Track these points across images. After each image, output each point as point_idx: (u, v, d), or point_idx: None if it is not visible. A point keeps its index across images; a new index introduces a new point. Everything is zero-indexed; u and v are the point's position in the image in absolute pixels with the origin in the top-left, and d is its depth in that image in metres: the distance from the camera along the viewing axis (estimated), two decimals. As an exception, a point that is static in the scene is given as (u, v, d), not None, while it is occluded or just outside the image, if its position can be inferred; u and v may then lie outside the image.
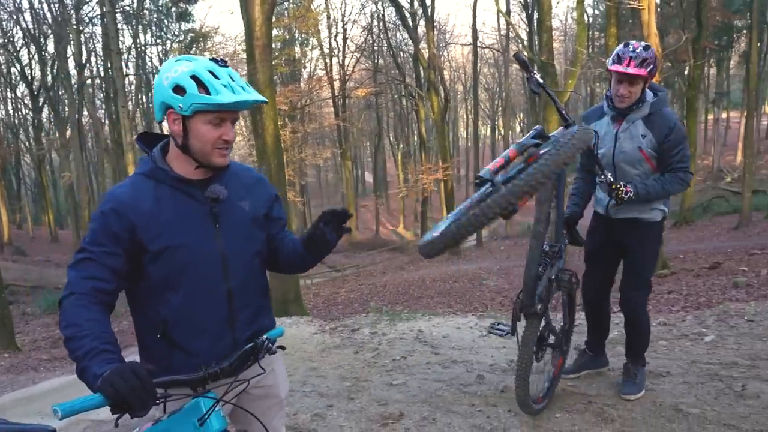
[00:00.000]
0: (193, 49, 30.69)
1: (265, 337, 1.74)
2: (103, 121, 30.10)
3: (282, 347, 1.84)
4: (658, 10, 23.31)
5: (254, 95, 1.60)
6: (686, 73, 20.24)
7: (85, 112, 29.57)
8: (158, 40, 32.99)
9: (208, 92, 1.54)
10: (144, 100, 35.08)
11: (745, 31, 31.04)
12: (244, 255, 1.75)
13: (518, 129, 59.25)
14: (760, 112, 36.75)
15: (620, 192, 2.89)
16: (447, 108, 28.90)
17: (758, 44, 25.22)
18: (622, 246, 3.26)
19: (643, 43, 2.92)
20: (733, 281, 8.41)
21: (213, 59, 1.62)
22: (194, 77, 1.55)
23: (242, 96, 1.57)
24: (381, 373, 4.32)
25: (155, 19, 31.29)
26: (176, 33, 32.46)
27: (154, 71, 33.59)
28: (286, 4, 23.87)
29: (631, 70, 2.83)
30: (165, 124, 1.69)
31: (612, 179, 2.95)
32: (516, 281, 14.87)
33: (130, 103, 27.78)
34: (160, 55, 33.71)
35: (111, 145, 25.96)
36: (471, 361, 4.32)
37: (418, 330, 5.39)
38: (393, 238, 38.07)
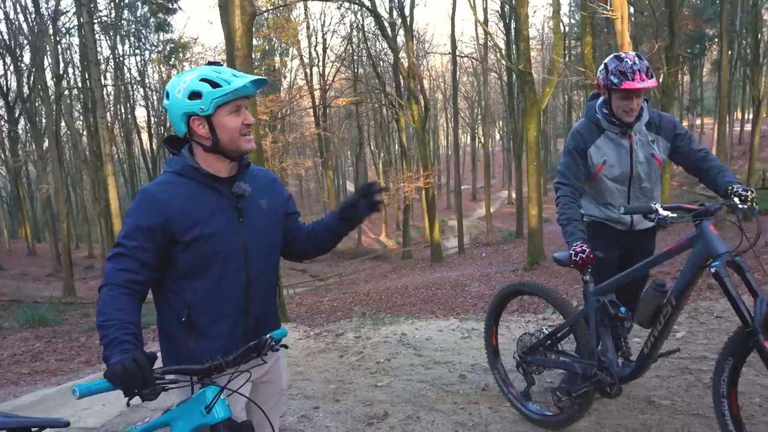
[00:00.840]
0: (172, 59, 30.64)
1: (268, 336, 1.86)
2: (81, 132, 29.82)
3: (285, 346, 1.99)
4: (632, 19, 23.88)
5: (256, 76, 1.78)
6: (660, 80, 20.73)
7: (63, 124, 29.28)
8: (137, 51, 32.90)
9: (219, 86, 1.72)
10: (122, 110, 34.88)
11: (716, 40, 31.82)
12: (263, 248, 1.91)
13: (497, 137, 59.90)
14: (732, 119, 37.66)
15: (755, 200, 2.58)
16: (427, 117, 29.14)
17: (729, 52, 25.89)
18: (628, 254, 3.14)
19: (632, 53, 2.80)
20: (708, 282, 8.61)
21: (210, 63, 1.80)
22: (204, 79, 1.72)
23: (248, 77, 1.75)
24: (366, 376, 4.41)
25: (133, 30, 31.19)
26: (155, 43, 32.41)
27: (133, 82, 33.46)
28: (265, 14, 23.95)
29: (648, 83, 2.72)
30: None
31: (747, 190, 2.57)
32: (498, 287, 15.05)
33: (108, 114, 27.59)
34: (139, 65, 33.62)
35: (89, 157, 25.73)
36: (453, 362, 4.43)
37: (402, 333, 5.50)
38: (375, 246, 38.18)
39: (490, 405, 3.52)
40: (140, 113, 38.81)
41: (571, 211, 2.94)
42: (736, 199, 2.56)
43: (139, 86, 34.16)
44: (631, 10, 24.62)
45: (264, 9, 20.71)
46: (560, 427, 3.01)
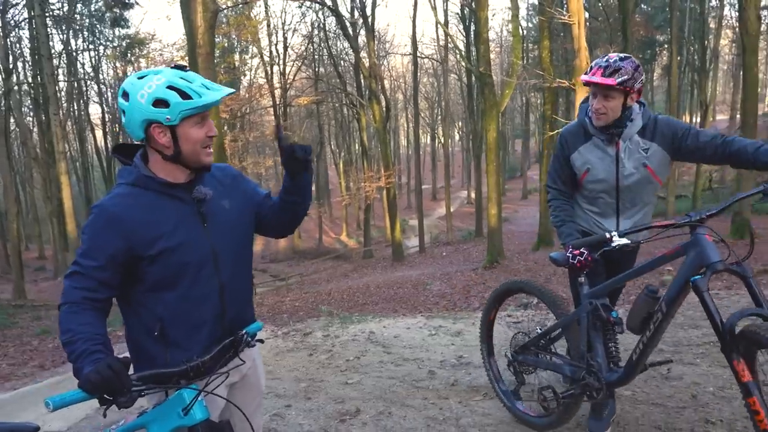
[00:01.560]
0: (128, 55, 29.92)
1: (244, 331, 1.84)
2: (31, 129, 28.83)
3: (261, 340, 1.96)
4: (587, 24, 24.55)
5: (226, 89, 1.72)
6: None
7: (12, 120, 28.25)
8: (90, 46, 31.97)
9: (190, 97, 1.63)
10: (75, 107, 33.86)
11: (666, 46, 33.03)
12: (232, 250, 1.85)
13: (457, 137, 60.60)
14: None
15: None
16: (388, 117, 29.28)
17: (678, 58, 26.91)
18: (611, 263, 2.90)
19: (622, 54, 2.61)
20: (661, 280, 8.99)
21: (176, 66, 1.70)
22: (172, 87, 1.62)
23: (221, 92, 1.68)
24: (336, 374, 4.45)
25: (87, 24, 30.31)
26: (110, 38, 31.56)
27: (87, 77, 32.51)
28: (225, 11, 23.62)
29: (595, 78, 2.54)
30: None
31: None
32: (458, 285, 15.28)
33: (61, 110, 26.74)
34: (93, 60, 32.68)
35: (41, 154, 24.90)
36: (422, 359, 4.52)
37: (370, 331, 5.56)
38: (336, 246, 38.14)
39: (459, 399, 3.62)
40: (94, 110, 37.71)
41: (564, 213, 2.83)
42: None
43: (93, 82, 33.23)
44: (586, 15, 25.36)
45: (224, 6, 20.45)
46: (546, 428, 2.97)
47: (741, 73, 23.38)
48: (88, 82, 33.11)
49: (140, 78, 1.67)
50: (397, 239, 26.21)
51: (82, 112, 34.31)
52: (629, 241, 2.30)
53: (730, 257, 2.12)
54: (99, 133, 35.92)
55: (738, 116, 29.76)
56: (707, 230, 2.19)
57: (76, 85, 31.50)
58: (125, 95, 1.66)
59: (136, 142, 1.79)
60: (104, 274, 1.66)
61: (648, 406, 3.15)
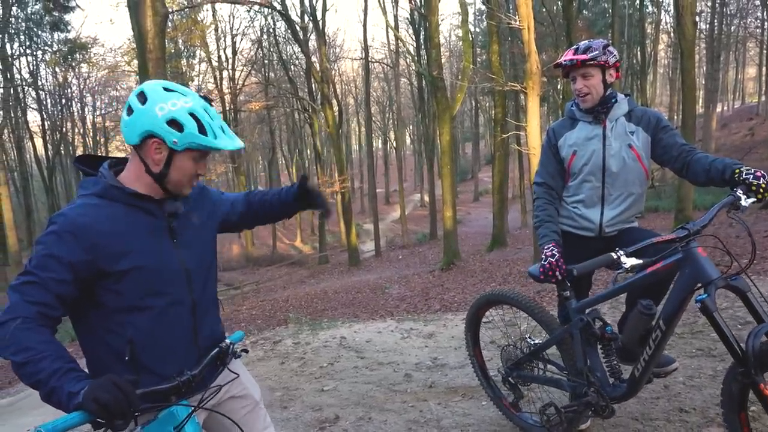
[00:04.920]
0: (69, 59, 28.88)
1: (228, 341, 1.80)
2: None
3: (245, 350, 1.92)
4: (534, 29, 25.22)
5: (239, 142, 1.69)
6: (559, 87, 22.05)
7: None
8: (28, 50, 30.66)
9: (206, 133, 1.58)
10: (12, 114, 32.36)
11: (607, 50, 34.12)
12: (202, 267, 1.78)
13: (408, 141, 61.07)
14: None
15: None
16: (341, 121, 29.26)
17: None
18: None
19: (594, 40, 2.67)
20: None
21: (203, 97, 1.66)
22: (193, 115, 1.58)
23: (234, 142, 1.66)
24: (310, 381, 4.41)
25: (24, 28, 29.08)
26: (49, 43, 30.36)
27: (25, 84, 31.16)
28: (171, 15, 23.09)
29: (568, 56, 2.63)
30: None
31: (760, 176, 2.13)
32: (417, 288, 15.37)
33: (-3, 118, 25.56)
34: (31, 66, 31.35)
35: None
36: (397, 362, 4.53)
37: (341, 337, 5.53)
38: (291, 252, 37.78)
39: (438, 401, 3.64)
40: (33, 117, 36.00)
41: (543, 213, 2.75)
42: (740, 192, 2.12)
43: (31, 88, 31.80)
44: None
45: (172, 10, 20.01)
46: None
47: (678, 76, 24.43)
48: (26, 89, 31.69)
49: (166, 90, 1.60)
50: (352, 244, 26.18)
51: (20, 120, 32.80)
52: (641, 261, 2.11)
53: (732, 268, 1.99)
54: (39, 142, 34.38)
55: (675, 117, 31.14)
56: (699, 243, 2.06)
57: (12, 91, 30.11)
58: (142, 97, 1.58)
59: (99, 154, 1.72)
60: (64, 288, 1.49)
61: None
